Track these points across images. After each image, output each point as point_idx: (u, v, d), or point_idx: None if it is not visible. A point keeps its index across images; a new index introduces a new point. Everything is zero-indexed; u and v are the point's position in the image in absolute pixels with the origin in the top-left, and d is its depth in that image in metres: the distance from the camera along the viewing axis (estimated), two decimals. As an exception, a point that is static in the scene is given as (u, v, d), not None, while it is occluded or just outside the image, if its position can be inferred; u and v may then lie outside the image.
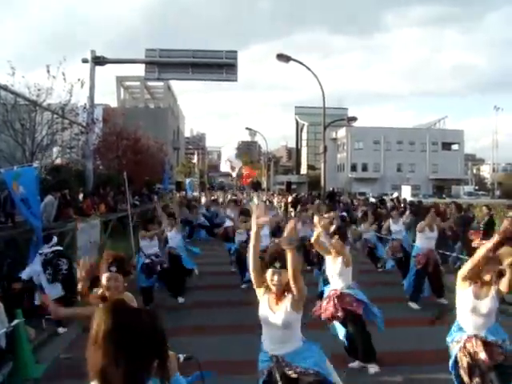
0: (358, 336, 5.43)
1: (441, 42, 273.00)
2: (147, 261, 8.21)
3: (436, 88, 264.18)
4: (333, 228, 6.15)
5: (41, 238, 7.35)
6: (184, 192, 39.56)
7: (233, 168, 25.35)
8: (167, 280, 8.51)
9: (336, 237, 5.78)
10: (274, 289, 3.40)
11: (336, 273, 5.63)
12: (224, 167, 26.59)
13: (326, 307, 5.50)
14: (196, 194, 45.84)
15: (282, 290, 3.39)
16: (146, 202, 21.70)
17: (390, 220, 10.83)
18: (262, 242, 7.76)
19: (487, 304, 3.81)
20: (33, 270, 6.98)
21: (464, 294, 3.90)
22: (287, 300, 3.37)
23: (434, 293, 8.55)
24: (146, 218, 9.53)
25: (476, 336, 3.84)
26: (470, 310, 3.85)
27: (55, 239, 7.65)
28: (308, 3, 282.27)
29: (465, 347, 3.88)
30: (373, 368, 5.40)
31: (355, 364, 5.51)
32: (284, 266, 3.31)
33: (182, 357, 2.59)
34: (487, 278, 3.81)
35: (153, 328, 1.55)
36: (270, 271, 3.38)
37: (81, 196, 12.99)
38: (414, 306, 8.28)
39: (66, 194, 12.02)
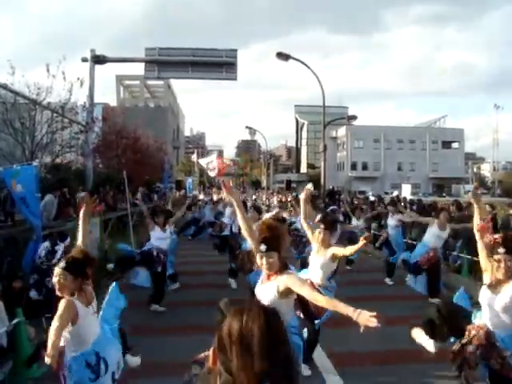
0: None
1: (441, 41, 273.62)
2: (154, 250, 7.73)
3: (436, 86, 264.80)
4: (318, 217, 5.82)
5: (40, 236, 7.34)
6: (184, 191, 39.61)
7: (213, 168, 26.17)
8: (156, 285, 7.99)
9: (322, 226, 5.27)
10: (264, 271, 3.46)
11: (318, 264, 5.24)
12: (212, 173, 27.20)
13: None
14: (196, 192, 45.88)
15: (274, 272, 3.41)
16: (145, 201, 21.66)
17: (389, 214, 10.88)
18: None
19: (502, 299, 3.60)
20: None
21: (482, 289, 3.77)
22: (273, 284, 3.38)
23: (428, 292, 8.51)
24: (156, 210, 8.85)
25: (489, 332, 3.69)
26: (487, 304, 3.70)
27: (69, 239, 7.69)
28: (307, 3, 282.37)
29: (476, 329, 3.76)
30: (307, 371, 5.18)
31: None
32: (270, 249, 3.34)
33: None
34: (500, 275, 3.61)
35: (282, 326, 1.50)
36: (258, 255, 3.42)
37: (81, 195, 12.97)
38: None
39: (65, 192, 12.01)
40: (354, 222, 12.40)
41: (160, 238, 7.87)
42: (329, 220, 5.49)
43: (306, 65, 19.05)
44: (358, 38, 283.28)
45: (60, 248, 7.30)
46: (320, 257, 5.22)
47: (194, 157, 67.38)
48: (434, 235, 8.49)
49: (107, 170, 20.26)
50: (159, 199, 25.13)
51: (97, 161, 19.47)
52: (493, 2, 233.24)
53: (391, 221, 10.72)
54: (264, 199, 31.98)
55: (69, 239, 7.86)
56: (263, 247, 3.35)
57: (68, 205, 11.94)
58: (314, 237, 5.31)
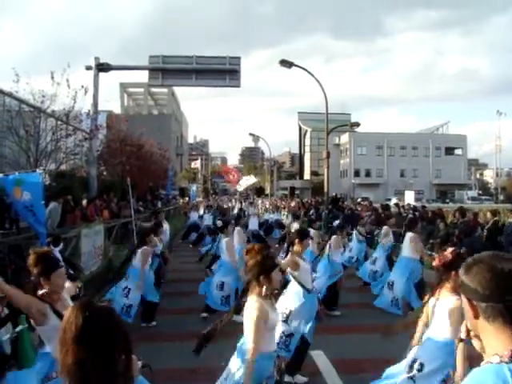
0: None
1: (444, 47, 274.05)
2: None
3: (439, 92, 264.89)
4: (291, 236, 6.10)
5: (45, 244, 7.35)
6: (187, 198, 39.69)
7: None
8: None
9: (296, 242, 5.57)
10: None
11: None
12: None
13: None
14: (199, 199, 45.95)
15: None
16: (149, 207, 21.73)
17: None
18: None
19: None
20: None
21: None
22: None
23: None
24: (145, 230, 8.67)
25: None
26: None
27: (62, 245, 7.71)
28: (310, 9, 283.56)
29: None
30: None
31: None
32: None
33: (139, 363, 2.54)
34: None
35: (118, 324, 1.63)
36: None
37: (84, 202, 13.02)
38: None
39: (69, 200, 12.06)
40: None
41: None
42: (300, 231, 5.98)
43: (309, 72, 19.12)
44: (361, 44, 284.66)
45: (57, 254, 7.30)
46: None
47: (197, 163, 67.73)
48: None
49: (111, 178, 20.32)
50: (163, 205, 25.21)
51: (101, 168, 19.53)
52: (496, 7, 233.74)
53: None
54: (267, 206, 31.94)
55: (62, 244, 7.88)
56: None
57: (73, 212, 11.99)
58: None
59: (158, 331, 7.18)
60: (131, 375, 1.64)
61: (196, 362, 5.37)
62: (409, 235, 8.43)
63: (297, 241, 5.58)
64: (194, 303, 8.46)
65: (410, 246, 8.32)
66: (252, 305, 3.38)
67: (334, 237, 8.81)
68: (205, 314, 7.78)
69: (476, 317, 1.37)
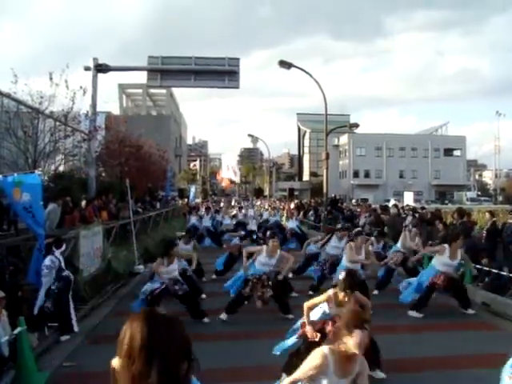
0: None
1: (443, 47, 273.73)
2: (156, 286, 7.76)
3: (440, 93, 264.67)
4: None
5: (43, 245, 7.33)
6: (186, 199, 39.65)
7: (235, 173, 26.20)
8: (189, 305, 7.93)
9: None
10: None
11: None
12: (226, 173, 27.19)
13: None
14: (198, 200, 45.94)
15: None
16: (148, 208, 21.71)
17: (407, 236, 10.46)
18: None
19: None
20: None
21: None
22: None
23: (461, 305, 8.42)
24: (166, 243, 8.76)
25: None
26: None
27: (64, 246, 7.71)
28: (309, 9, 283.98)
29: None
30: None
31: None
32: None
33: None
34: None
35: (182, 334, 1.58)
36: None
37: (83, 203, 12.99)
38: (415, 314, 8.22)
39: (68, 201, 12.03)
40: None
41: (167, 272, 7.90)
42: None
43: (308, 73, 19.14)
44: (360, 45, 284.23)
45: (59, 255, 7.29)
46: None
47: (196, 164, 67.71)
48: (440, 263, 8.38)
49: (110, 179, 20.29)
50: (162, 207, 25.20)
51: (100, 169, 19.51)
52: (496, 8, 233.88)
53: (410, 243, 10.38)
54: (266, 206, 32.00)
55: (64, 245, 7.86)
56: None
57: (71, 213, 11.96)
58: None
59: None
60: (190, 378, 1.62)
61: (217, 363, 5.40)
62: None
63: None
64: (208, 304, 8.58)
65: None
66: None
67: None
68: (224, 317, 7.84)
69: None
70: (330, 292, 5.17)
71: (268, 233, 9.19)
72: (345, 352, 3.21)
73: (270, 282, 8.05)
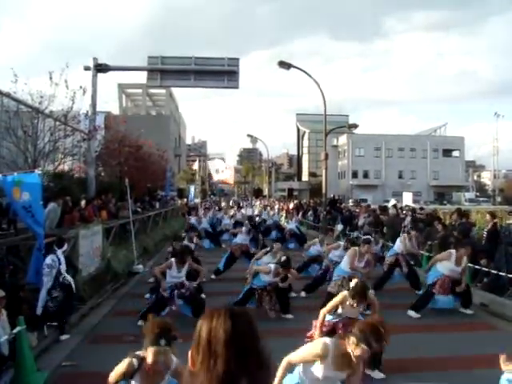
0: None
1: (443, 48, 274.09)
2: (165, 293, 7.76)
3: (438, 94, 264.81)
4: None
5: (43, 245, 7.34)
6: (185, 199, 39.66)
7: (225, 171, 26.59)
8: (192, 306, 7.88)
9: None
10: None
11: None
12: (221, 175, 27.47)
13: None
14: (197, 200, 45.93)
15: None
16: (147, 208, 21.71)
17: (406, 239, 10.49)
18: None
19: None
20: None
21: None
22: None
23: (462, 304, 8.50)
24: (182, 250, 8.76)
25: None
26: None
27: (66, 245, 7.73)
28: (309, 9, 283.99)
29: None
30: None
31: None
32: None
33: None
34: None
35: (255, 325, 1.52)
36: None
37: (83, 203, 12.99)
38: (413, 314, 8.26)
39: (67, 200, 12.04)
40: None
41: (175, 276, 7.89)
42: None
43: (307, 73, 19.15)
44: (359, 45, 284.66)
45: (60, 255, 7.30)
46: None
47: (195, 164, 67.69)
48: (445, 268, 8.39)
49: (109, 178, 20.29)
50: (161, 207, 25.20)
51: (99, 169, 19.49)
52: (496, 8, 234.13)
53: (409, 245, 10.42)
54: (258, 203, 32.12)
55: (66, 245, 7.88)
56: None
57: (71, 212, 11.96)
58: None
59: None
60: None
61: None
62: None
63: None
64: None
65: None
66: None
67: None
68: None
69: None
70: (346, 293, 5.20)
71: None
72: (345, 348, 3.28)
73: (274, 293, 8.07)
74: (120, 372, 3.37)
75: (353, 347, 3.25)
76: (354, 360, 3.27)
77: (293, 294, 9.40)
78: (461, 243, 8.69)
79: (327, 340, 3.40)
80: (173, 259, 7.97)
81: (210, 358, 1.39)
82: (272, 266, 8.15)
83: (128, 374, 3.33)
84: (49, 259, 7.03)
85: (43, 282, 6.93)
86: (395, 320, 7.84)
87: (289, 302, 8.34)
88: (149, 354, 3.23)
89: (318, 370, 3.36)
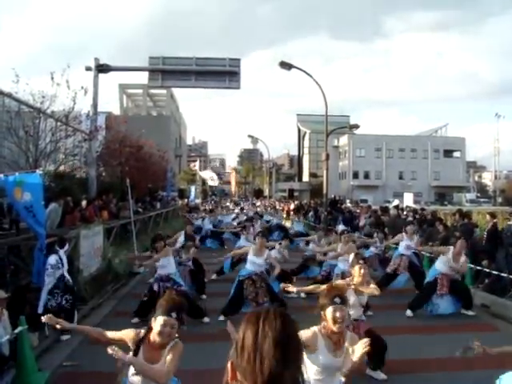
0: None
1: (443, 48, 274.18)
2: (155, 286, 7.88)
3: (439, 94, 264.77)
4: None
5: (44, 245, 7.34)
6: (186, 200, 39.70)
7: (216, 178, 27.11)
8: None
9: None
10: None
11: None
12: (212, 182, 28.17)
13: None
14: (198, 201, 45.97)
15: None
16: (148, 208, 21.73)
17: (404, 235, 10.29)
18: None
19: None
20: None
21: None
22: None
23: (462, 306, 8.49)
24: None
25: None
26: None
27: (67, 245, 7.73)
28: (309, 9, 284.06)
29: None
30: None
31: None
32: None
33: None
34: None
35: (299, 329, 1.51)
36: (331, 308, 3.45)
37: (84, 203, 13.00)
38: (409, 313, 8.31)
39: (68, 201, 12.04)
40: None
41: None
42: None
43: (309, 74, 19.11)
44: (360, 45, 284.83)
45: (62, 255, 7.31)
46: None
47: (195, 164, 67.75)
48: (444, 265, 8.40)
49: (110, 179, 20.31)
50: (162, 207, 25.21)
51: (100, 169, 19.50)
52: (496, 8, 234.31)
53: (408, 242, 10.18)
54: (258, 204, 32.20)
55: (67, 245, 7.88)
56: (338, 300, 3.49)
57: (72, 213, 11.97)
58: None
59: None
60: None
61: (217, 363, 5.36)
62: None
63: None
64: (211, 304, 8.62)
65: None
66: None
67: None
68: (222, 318, 7.78)
69: None
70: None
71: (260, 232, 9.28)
72: (330, 328, 3.42)
73: (263, 284, 8.06)
74: (125, 335, 3.47)
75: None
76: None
77: (293, 295, 9.37)
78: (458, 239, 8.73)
79: (314, 328, 3.48)
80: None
81: (255, 360, 1.34)
82: (249, 244, 8.36)
83: (133, 341, 3.39)
84: (53, 259, 7.03)
85: (44, 282, 6.93)
86: (397, 321, 7.88)
87: (284, 301, 8.30)
88: (157, 322, 3.26)
89: (315, 359, 3.39)
